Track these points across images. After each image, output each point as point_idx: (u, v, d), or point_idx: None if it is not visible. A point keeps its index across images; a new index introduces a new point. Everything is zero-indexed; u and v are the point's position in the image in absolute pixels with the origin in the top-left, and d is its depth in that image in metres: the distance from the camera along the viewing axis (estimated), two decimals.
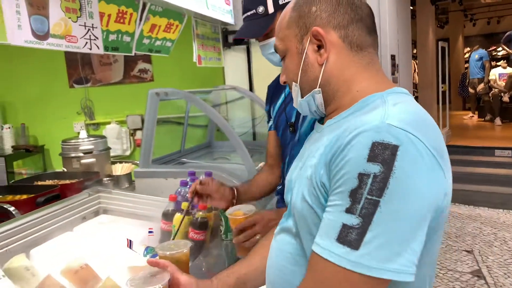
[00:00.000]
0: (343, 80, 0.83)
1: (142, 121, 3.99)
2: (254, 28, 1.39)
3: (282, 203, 1.57)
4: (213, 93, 3.31)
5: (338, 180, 0.69)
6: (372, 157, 0.65)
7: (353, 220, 0.65)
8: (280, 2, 1.36)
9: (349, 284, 0.66)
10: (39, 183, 2.25)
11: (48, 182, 2.24)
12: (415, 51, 10.71)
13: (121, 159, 3.32)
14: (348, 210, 0.66)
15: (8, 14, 1.39)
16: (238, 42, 1.53)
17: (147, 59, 4.01)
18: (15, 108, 4.32)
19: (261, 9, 1.39)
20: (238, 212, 1.38)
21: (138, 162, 2.46)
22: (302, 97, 0.88)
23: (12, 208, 1.72)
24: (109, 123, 4.08)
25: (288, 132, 1.47)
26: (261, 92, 3.42)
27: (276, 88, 1.59)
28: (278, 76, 1.63)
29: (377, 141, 0.66)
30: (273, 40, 1.36)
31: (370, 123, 0.69)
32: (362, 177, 0.66)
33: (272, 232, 0.97)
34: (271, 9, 1.37)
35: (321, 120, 0.92)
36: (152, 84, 4.00)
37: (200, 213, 1.53)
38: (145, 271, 0.93)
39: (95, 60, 4.06)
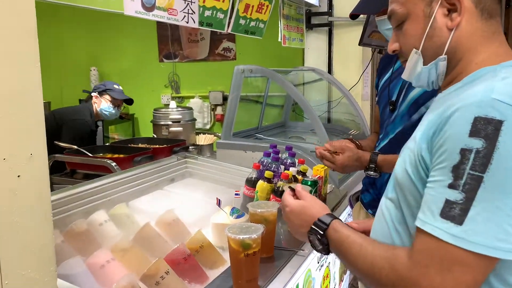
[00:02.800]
0: (467, 49, 0.80)
1: (223, 97, 4.18)
2: (373, 3, 1.39)
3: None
4: (292, 74, 3.36)
5: (440, 156, 0.69)
6: (474, 132, 0.65)
7: (456, 195, 0.65)
8: None
9: (451, 259, 0.65)
10: (133, 145, 2.49)
11: (141, 146, 2.47)
12: None
13: (201, 131, 3.52)
14: (451, 186, 0.66)
15: None
16: (354, 17, 1.54)
17: (232, 38, 4.15)
18: (110, 77, 4.69)
19: None
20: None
21: (219, 134, 2.61)
22: (424, 64, 0.85)
23: (114, 164, 1.94)
24: (193, 97, 4.30)
25: (387, 110, 1.48)
26: (340, 75, 3.42)
27: (387, 62, 1.59)
28: None
29: (480, 115, 0.65)
30: None
31: (473, 97, 0.68)
32: (464, 152, 0.65)
33: None
34: None
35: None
36: (234, 62, 4.14)
37: (281, 182, 1.62)
38: (241, 223, 1.03)
39: (184, 37, 4.28)
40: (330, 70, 3.46)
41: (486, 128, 0.64)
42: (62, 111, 2.78)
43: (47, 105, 4.18)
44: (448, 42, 0.80)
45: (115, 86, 2.86)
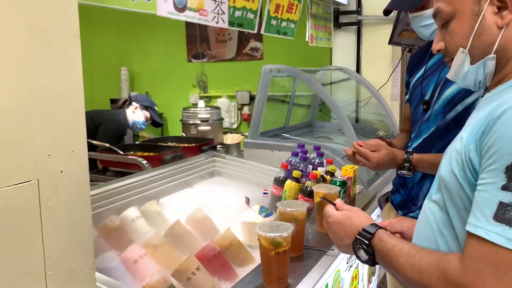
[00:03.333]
0: None
1: (250, 97, 4.19)
2: None
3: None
4: (319, 73, 3.35)
5: (491, 157, 0.66)
6: None
7: (510, 197, 0.63)
8: None
9: (508, 263, 0.63)
10: (162, 144, 2.54)
11: (170, 144, 2.51)
12: None
13: (228, 131, 3.54)
14: (505, 187, 0.63)
15: None
16: (387, 13, 1.53)
17: (259, 38, 4.16)
18: (140, 77, 4.82)
19: None
20: (323, 189, 1.43)
21: (246, 134, 2.62)
22: (471, 64, 0.82)
23: (144, 162, 1.98)
24: (220, 97, 4.35)
25: (420, 109, 1.45)
26: (369, 74, 3.38)
27: (418, 60, 1.57)
28: (423, 47, 1.61)
29: None
30: (428, 11, 1.34)
31: None
32: None
33: None
34: None
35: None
36: (261, 62, 4.15)
37: (309, 182, 1.62)
38: (271, 221, 1.04)
39: (212, 37, 4.32)
40: (358, 70, 3.42)
41: None
42: (99, 112, 2.87)
43: None
44: (498, 40, 0.78)
45: (156, 107, 2.98)
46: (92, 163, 2.25)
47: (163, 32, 4.30)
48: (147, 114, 2.87)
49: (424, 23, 1.38)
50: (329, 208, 0.98)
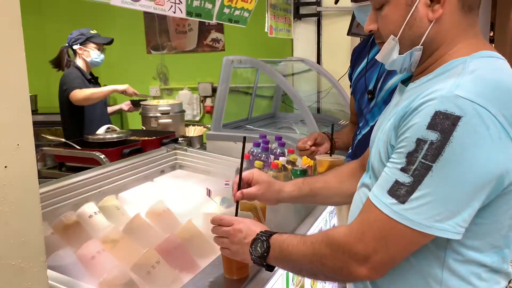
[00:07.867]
0: (446, 41, 0.80)
1: (212, 89, 4.15)
2: None
3: None
4: (281, 64, 3.36)
5: (401, 142, 0.74)
6: (432, 125, 0.69)
7: (405, 178, 0.72)
8: None
9: (389, 230, 0.73)
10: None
11: (130, 138, 2.45)
12: (492, 33, 9.95)
13: (191, 123, 3.48)
14: (403, 169, 0.72)
15: None
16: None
17: (220, 29, 4.12)
18: (98, 70, 4.64)
19: None
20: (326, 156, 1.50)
21: (209, 126, 2.60)
22: (400, 52, 0.84)
23: (102, 156, 1.92)
24: (181, 89, 4.27)
25: (365, 98, 1.49)
26: (329, 65, 3.42)
27: (360, 52, 1.61)
28: (365, 39, 1.64)
29: (440, 110, 0.69)
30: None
31: (439, 91, 0.71)
32: (419, 142, 0.70)
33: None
34: None
35: (405, 82, 0.92)
36: (223, 53, 4.10)
37: (271, 172, 1.62)
38: (230, 211, 1.03)
39: (172, 28, 4.23)
40: (319, 61, 3.46)
41: (443, 123, 0.68)
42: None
43: (33, 98, 4.12)
44: (426, 33, 0.80)
45: (92, 32, 2.82)
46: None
47: (120, 22, 4.16)
48: (92, 45, 2.76)
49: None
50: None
